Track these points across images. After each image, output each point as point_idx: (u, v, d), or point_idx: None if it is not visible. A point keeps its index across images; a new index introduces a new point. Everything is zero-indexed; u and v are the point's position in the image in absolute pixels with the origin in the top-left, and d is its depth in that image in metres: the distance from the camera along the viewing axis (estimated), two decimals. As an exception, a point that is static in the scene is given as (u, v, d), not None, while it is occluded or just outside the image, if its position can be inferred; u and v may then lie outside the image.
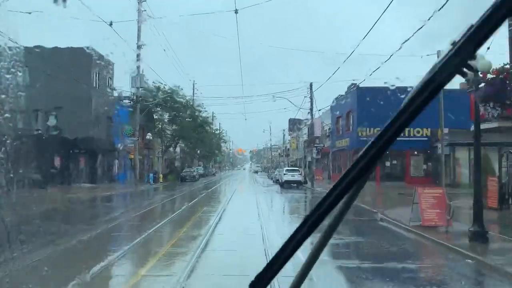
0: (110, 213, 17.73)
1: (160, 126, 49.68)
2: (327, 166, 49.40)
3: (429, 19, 12.44)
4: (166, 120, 52.49)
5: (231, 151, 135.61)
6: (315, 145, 36.39)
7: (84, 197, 23.50)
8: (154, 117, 49.88)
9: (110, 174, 39.80)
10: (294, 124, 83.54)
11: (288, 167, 61.43)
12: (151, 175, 40.91)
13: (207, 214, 17.28)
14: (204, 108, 56.12)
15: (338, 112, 41.97)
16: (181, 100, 50.38)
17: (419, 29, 13.64)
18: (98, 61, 36.98)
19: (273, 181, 48.03)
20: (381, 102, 33.37)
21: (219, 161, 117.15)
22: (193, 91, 65.19)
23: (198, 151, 76.74)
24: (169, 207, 21.58)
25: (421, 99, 0.80)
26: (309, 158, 61.96)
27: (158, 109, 48.77)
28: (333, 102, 42.70)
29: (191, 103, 53.82)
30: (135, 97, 35.12)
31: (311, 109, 35.31)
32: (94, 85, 36.54)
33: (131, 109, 46.72)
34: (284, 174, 37.35)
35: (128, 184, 36.35)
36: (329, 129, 46.70)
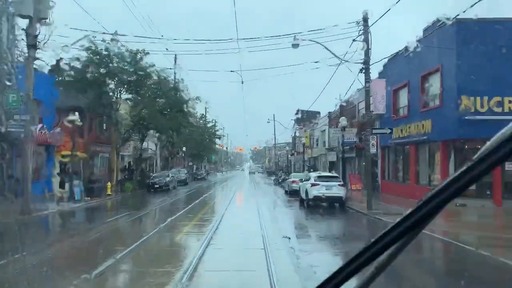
0: None
1: (115, 109, 32.79)
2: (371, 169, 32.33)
3: None
4: (128, 102, 35.71)
5: (227, 150, 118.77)
6: (375, 130, 19.20)
7: None
8: (112, 98, 33.16)
9: (10, 183, 23.00)
10: (302, 117, 66.71)
11: (308, 170, 44.49)
12: (77, 185, 23.82)
13: None
14: (185, 85, 39.17)
15: (398, 79, 24.89)
16: (152, 70, 33.54)
17: None
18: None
19: (287, 193, 31.09)
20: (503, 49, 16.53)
21: (214, 161, 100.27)
22: (175, 66, 48.56)
23: (184, 148, 60.11)
24: None
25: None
26: (329, 158, 45.23)
27: (110, 81, 31.89)
28: (386, 63, 25.74)
29: (165, 77, 36.79)
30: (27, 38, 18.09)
31: (366, 63, 18.35)
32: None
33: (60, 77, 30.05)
34: (313, 185, 20.40)
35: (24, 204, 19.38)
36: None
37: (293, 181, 29.48)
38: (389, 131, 19.54)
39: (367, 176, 19.24)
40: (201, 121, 64.85)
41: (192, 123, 49.54)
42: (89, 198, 24.99)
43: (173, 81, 38.38)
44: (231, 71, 43.37)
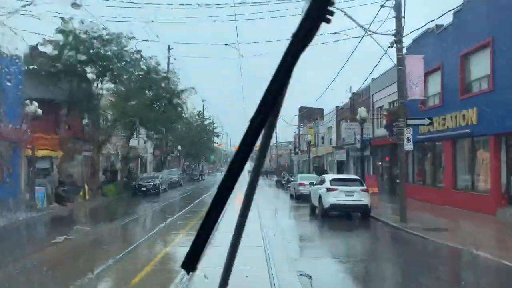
0: None
1: (96, 101, 28.68)
2: (387, 170, 28.26)
3: None
4: (112, 93, 31.56)
5: (226, 149, 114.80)
6: (411, 120, 14.70)
7: None
8: (93, 88, 29.09)
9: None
10: (302, 116, 62.41)
11: (315, 170, 40.21)
12: (42, 190, 19.64)
13: None
14: (177, 75, 35.08)
15: (428, 62, 20.71)
16: (138, 57, 29.72)
17: None
18: None
19: (293, 197, 27.02)
20: None
21: (213, 160, 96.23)
22: (168, 57, 44.62)
23: (179, 147, 56.06)
24: None
25: (293, 54, 0.87)
26: (338, 157, 41.09)
27: (90, 69, 27.73)
28: (410, 45, 21.62)
29: (154, 66, 32.65)
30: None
31: (399, 34, 14.21)
32: None
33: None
34: (329, 190, 16.28)
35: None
36: (394, 102, 25.61)
37: (300, 184, 25.33)
38: (428, 121, 15.41)
39: (401, 179, 15.03)
40: (198, 117, 60.91)
41: (187, 118, 45.54)
42: (56, 205, 20.98)
43: (165, 72, 34.32)
44: (226, 44, 38.31)
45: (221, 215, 0.98)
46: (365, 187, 16.54)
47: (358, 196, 16.07)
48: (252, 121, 0.91)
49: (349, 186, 16.47)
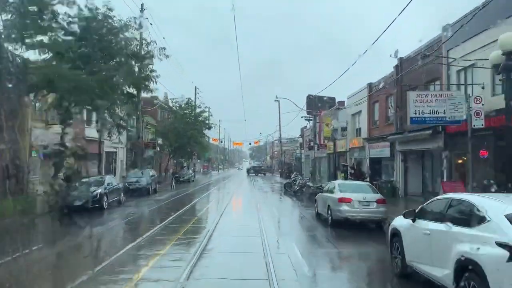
0: None
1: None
2: (482, 173, 16.52)
3: None
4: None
5: (224, 145, 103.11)
6: None
7: None
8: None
9: None
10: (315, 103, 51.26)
11: (344, 174, 28.09)
12: None
13: None
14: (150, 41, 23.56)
15: None
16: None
17: None
18: None
19: (320, 218, 15.32)
20: None
21: (207, 158, 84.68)
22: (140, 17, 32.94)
23: (160, 141, 44.50)
24: None
25: None
26: (371, 152, 29.41)
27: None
28: None
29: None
30: None
31: None
32: None
33: None
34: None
35: None
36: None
37: (341, 200, 13.65)
38: None
39: None
40: (185, 105, 49.49)
41: (155, 97, 33.99)
42: None
43: (125, 23, 22.58)
44: None
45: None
46: None
47: None
48: None
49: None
